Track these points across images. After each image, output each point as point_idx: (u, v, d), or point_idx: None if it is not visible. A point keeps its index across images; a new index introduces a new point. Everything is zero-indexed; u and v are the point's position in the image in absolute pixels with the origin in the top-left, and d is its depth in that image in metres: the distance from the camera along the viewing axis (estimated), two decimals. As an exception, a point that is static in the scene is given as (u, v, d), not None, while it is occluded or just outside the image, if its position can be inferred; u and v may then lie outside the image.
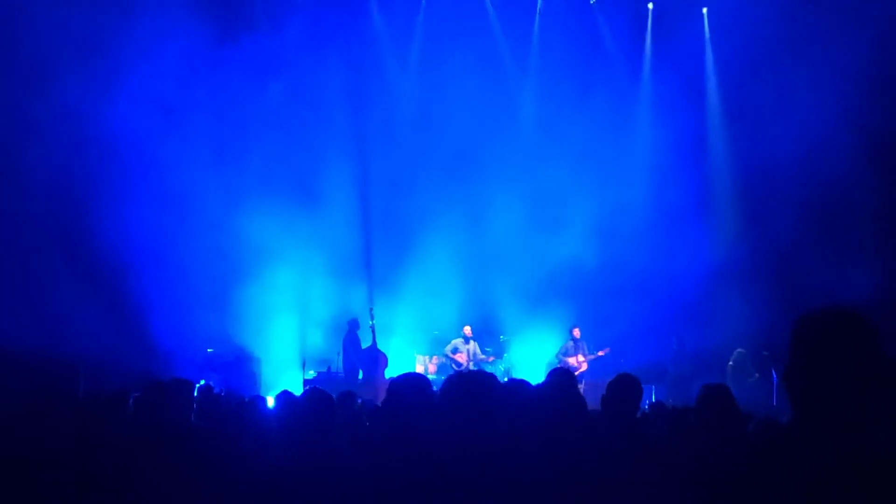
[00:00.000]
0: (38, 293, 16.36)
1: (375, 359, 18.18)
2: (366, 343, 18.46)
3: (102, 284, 16.80)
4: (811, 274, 17.73)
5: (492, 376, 4.62)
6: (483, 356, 19.26)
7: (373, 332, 18.44)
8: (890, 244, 17.93)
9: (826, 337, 2.79)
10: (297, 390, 13.33)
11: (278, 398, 6.66)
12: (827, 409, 2.75)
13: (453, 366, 18.72)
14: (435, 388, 4.94)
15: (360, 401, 9.92)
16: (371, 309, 18.86)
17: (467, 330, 19.16)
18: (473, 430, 4.16)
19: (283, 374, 18.00)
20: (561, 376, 5.52)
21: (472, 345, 19.11)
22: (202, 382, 13.04)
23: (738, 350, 18.28)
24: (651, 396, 17.78)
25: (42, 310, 16.00)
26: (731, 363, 18.24)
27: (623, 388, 5.84)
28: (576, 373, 16.34)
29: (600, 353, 18.92)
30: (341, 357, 18.70)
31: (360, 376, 18.09)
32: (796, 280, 17.96)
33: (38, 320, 15.50)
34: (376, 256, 20.11)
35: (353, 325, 18.63)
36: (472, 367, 18.44)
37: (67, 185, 16.77)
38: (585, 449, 4.23)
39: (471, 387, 4.35)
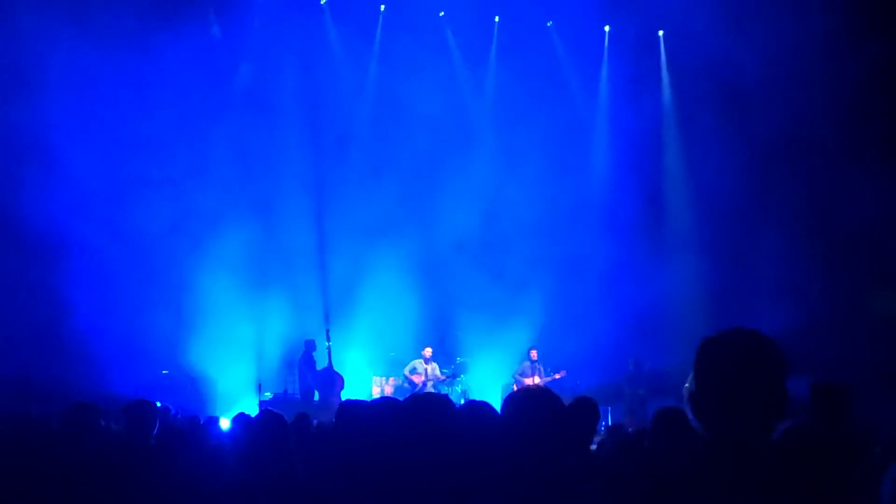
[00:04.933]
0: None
1: (331, 380, 18.10)
2: (321, 364, 18.38)
3: (52, 303, 16.71)
4: (767, 292, 17.91)
5: (445, 398, 4.64)
6: (441, 377, 19.23)
7: (329, 353, 18.37)
8: (849, 260, 18.09)
9: (727, 359, 2.86)
10: (253, 412, 13.27)
11: (234, 420, 6.62)
12: (729, 429, 2.81)
13: (406, 385, 18.71)
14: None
15: (315, 422, 9.88)
16: (327, 330, 18.79)
17: (427, 351, 19.12)
18: (428, 452, 4.16)
19: (238, 395, 17.88)
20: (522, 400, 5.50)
21: (431, 366, 19.08)
22: (158, 404, 12.92)
23: (695, 371, 18.32)
24: (608, 418, 17.84)
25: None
26: (687, 385, 18.29)
27: (580, 412, 5.83)
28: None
29: (556, 376, 18.92)
30: (297, 378, 18.60)
31: (316, 398, 18.01)
32: (754, 299, 18.14)
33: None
34: (332, 277, 19.99)
35: (309, 347, 18.53)
36: (430, 387, 18.44)
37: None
38: (540, 472, 4.23)
39: (425, 410, 4.37)
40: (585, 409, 5.88)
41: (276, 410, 5.51)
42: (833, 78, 17.63)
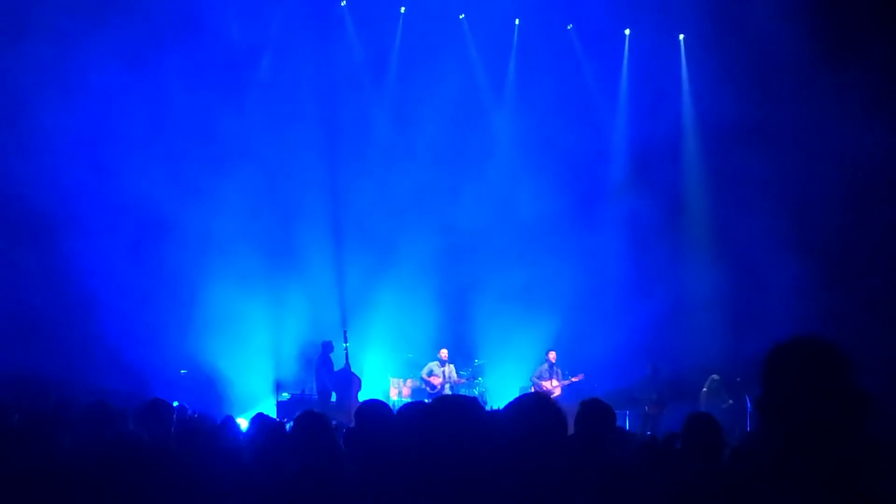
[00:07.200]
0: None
1: (349, 381, 18.08)
2: (339, 365, 18.37)
3: (74, 306, 16.77)
4: (784, 298, 17.83)
5: (473, 401, 4.58)
6: (459, 379, 19.19)
7: (346, 354, 18.36)
8: (862, 271, 18.01)
9: (797, 366, 2.86)
10: (271, 412, 13.28)
11: (253, 420, 6.61)
12: (799, 437, 2.81)
13: (427, 388, 18.67)
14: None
15: (334, 423, 9.89)
16: (345, 331, 18.78)
17: (443, 353, 19.07)
18: (450, 455, 4.14)
19: (256, 396, 17.89)
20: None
21: (448, 368, 19.03)
22: (175, 404, 12.94)
23: (713, 376, 18.29)
24: (625, 422, 17.78)
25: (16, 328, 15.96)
26: (704, 389, 18.24)
27: (595, 415, 5.76)
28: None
29: (574, 380, 18.87)
30: (314, 379, 18.58)
31: (333, 399, 17.99)
32: (770, 305, 18.07)
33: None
34: (349, 277, 19.98)
35: (327, 348, 18.49)
36: (447, 389, 18.40)
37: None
38: (556, 474, 4.21)
39: (451, 412, 4.33)
40: (594, 412, 5.79)
41: (295, 411, 5.51)
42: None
